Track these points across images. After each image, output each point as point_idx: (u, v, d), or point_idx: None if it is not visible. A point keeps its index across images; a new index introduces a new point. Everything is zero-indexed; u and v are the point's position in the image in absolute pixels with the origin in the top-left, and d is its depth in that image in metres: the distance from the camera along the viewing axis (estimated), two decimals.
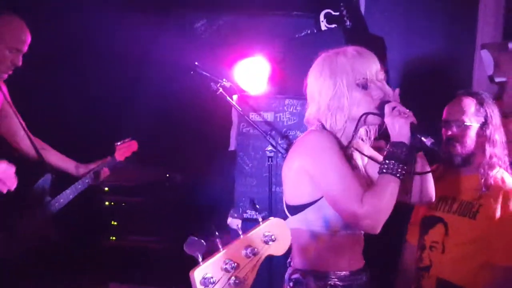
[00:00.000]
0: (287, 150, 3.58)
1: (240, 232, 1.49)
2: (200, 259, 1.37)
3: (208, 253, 1.41)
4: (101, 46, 4.29)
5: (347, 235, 2.20)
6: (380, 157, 2.38)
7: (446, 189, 2.82)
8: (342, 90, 2.18)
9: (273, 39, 4.37)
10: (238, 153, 4.07)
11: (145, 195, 4.61)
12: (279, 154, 3.74)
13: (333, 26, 4.27)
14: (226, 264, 1.40)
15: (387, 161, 2.10)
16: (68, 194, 3.41)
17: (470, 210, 2.72)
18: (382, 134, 2.29)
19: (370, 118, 2.21)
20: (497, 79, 3.79)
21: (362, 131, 2.33)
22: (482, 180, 2.72)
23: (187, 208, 4.46)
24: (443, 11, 4.45)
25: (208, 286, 1.38)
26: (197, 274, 1.38)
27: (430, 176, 2.33)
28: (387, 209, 2.05)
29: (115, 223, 4.60)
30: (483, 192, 2.71)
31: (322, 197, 2.14)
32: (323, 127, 2.23)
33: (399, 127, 2.11)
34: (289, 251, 1.72)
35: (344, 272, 2.19)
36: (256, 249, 1.49)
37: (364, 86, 2.20)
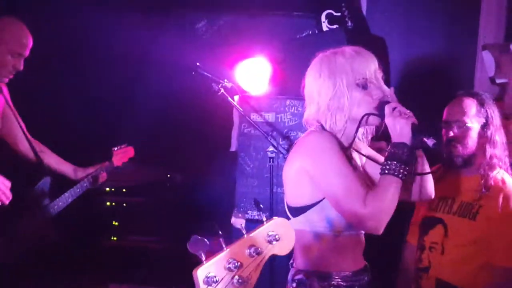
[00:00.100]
0: (288, 150, 3.58)
1: (244, 232, 1.48)
2: (203, 258, 1.37)
3: (211, 252, 1.40)
4: (101, 46, 4.30)
5: (349, 236, 2.20)
6: (378, 156, 2.39)
7: (446, 190, 2.82)
8: (342, 90, 2.17)
9: (274, 40, 4.37)
10: (239, 153, 4.07)
11: (145, 196, 4.62)
12: (280, 155, 3.74)
13: (334, 26, 4.27)
14: (230, 263, 1.39)
15: (388, 162, 2.10)
16: (66, 198, 3.42)
17: (470, 211, 2.72)
18: (382, 134, 2.28)
19: (370, 118, 2.21)
20: (498, 81, 3.79)
21: (360, 130, 2.32)
22: (482, 181, 2.72)
23: (187, 208, 4.46)
24: (444, 11, 4.44)
25: (211, 285, 1.37)
26: (200, 273, 1.38)
27: (429, 175, 2.33)
28: (389, 210, 2.05)
29: (116, 223, 4.60)
30: (483, 193, 2.70)
31: (323, 198, 2.14)
32: (323, 127, 2.23)
33: (400, 127, 2.11)
34: (291, 251, 1.72)
35: (346, 273, 2.20)
36: (259, 249, 1.48)
37: (364, 86, 2.19)
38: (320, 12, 4.30)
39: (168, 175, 4.55)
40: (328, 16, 4.31)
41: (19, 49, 3.13)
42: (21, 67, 3.17)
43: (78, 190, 3.46)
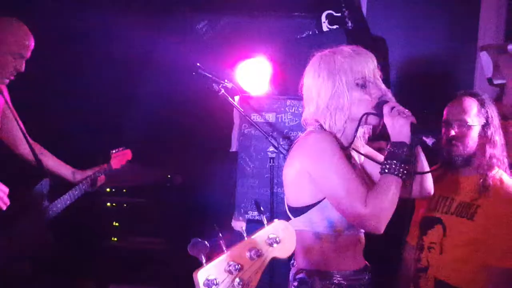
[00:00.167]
0: (288, 151, 3.59)
1: (245, 234, 1.48)
2: (204, 261, 1.36)
3: (212, 254, 1.40)
4: (102, 47, 4.29)
5: (350, 235, 2.21)
6: (376, 154, 2.40)
7: (445, 189, 2.83)
8: (342, 89, 2.18)
9: (274, 40, 4.36)
10: (240, 154, 4.07)
11: (146, 196, 4.62)
12: (281, 155, 3.74)
13: (334, 27, 4.27)
14: (230, 265, 1.39)
15: (388, 161, 2.11)
16: (65, 200, 3.43)
17: (468, 211, 2.72)
18: (378, 134, 2.29)
19: (369, 118, 2.22)
20: (496, 81, 3.79)
21: (360, 130, 2.32)
22: (481, 181, 2.72)
23: (188, 209, 4.46)
24: (444, 12, 4.45)
25: None
26: (201, 275, 1.37)
27: (428, 168, 2.34)
28: (390, 209, 2.07)
29: (116, 224, 4.60)
30: (481, 193, 2.71)
31: (324, 198, 2.14)
32: (322, 127, 2.23)
33: (400, 127, 2.12)
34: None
35: (347, 272, 2.21)
36: (260, 251, 1.48)
37: (363, 86, 2.20)
38: (320, 12, 4.30)
39: (168, 176, 4.55)
40: (329, 17, 4.31)
41: (20, 50, 3.14)
42: (23, 69, 3.17)
43: (76, 192, 3.47)
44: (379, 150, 2.42)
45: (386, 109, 2.16)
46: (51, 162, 3.54)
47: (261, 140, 3.91)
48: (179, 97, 4.42)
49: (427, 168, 2.33)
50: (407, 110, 2.16)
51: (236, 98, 3.90)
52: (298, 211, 2.22)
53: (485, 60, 3.81)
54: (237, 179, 4.04)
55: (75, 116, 4.23)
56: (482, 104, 2.77)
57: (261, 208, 1.58)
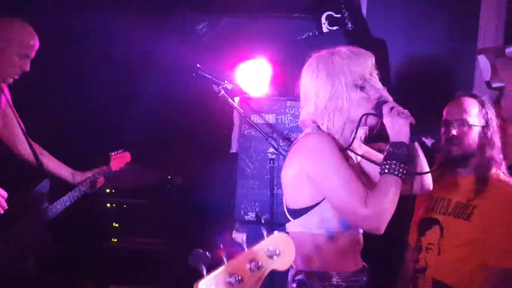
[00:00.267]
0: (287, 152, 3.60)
1: (245, 246, 1.49)
2: (205, 272, 1.37)
3: (212, 266, 1.41)
4: (102, 47, 4.28)
5: (349, 236, 2.22)
6: (373, 154, 2.39)
7: (443, 190, 2.84)
8: (341, 91, 2.18)
9: (274, 41, 4.36)
10: (240, 155, 4.08)
11: (146, 197, 4.61)
12: (281, 156, 3.75)
13: (334, 28, 4.27)
14: (231, 277, 1.39)
15: (388, 162, 2.11)
16: (65, 201, 3.44)
17: (465, 212, 2.73)
18: (377, 134, 2.29)
19: (368, 118, 2.22)
20: (494, 85, 3.79)
21: (360, 131, 2.32)
22: (478, 182, 2.74)
23: (188, 210, 4.46)
24: (444, 12, 4.44)
25: None
26: (202, 287, 1.38)
27: (427, 165, 2.34)
28: (390, 210, 2.07)
29: (116, 225, 4.60)
30: (478, 194, 2.72)
31: (323, 199, 2.15)
32: (319, 128, 2.23)
33: (399, 127, 2.12)
34: None
35: (346, 273, 2.21)
36: (260, 263, 1.48)
37: (362, 87, 2.20)
38: (320, 13, 4.30)
39: (169, 177, 4.55)
40: (328, 18, 4.31)
41: (26, 50, 3.17)
42: (28, 68, 3.20)
43: (76, 194, 3.48)
44: (379, 151, 2.42)
45: (385, 109, 2.16)
46: (51, 163, 3.55)
47: (261, 141, 3.92)
48: (179, 98, 4.42)
49: (426, 166, 2.34)
50: (406, 111, 2.17)
51: (236, 99, 3.90)
52: (297, 213, 2.21)
53: (483, 63, 3.81)
54: (237, 180, 4.05)
55: (74, 116, 4.22)
56: (482, 104, 2.79)
57: (262, 220, 1.58)
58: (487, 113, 2.77)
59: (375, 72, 2.24)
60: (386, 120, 2.15)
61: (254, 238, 1.58)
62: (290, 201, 2.26)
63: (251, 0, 4.51)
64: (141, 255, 4.50)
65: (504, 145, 2.86)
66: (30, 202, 3.32)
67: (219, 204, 4.20)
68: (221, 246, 1.41)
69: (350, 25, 4.23)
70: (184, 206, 4.47)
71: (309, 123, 2.28)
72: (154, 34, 4.42)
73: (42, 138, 3.56)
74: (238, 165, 4.06)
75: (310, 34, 4.36)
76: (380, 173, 2.13)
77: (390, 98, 2.23)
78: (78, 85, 4.27)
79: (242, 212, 4.03)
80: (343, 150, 2.22)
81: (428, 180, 2.40)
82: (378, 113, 2.18)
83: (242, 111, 3.73)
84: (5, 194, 3.01)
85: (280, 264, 1.56)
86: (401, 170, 2.09)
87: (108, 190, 4.55)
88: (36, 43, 3.20)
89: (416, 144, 2.26)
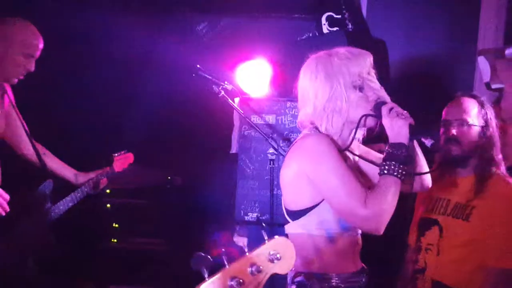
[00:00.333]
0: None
1: (246, 250, 1.49)
2: (206, 275, 1.37)
3: (214, 269, 1.41)
4: (102, 47, 4.28)
5: (348, 237, 2.22)
6: (370, 154, 2.40)
7: (442, 191, 2.84)
8: (340, 92, 2.18)
9: (274, 42, 4.37)
10: (240, 155, 4.08)
11: (146, 198, 4.62)
12: (281, 157, 3.75)
13: (335, 29, 4.28)
14: (232, 280, 1.40)
15: (387, 162, 2.12)
16: (67, 202, 3.43)
17: (464, 212, 2.73)
18: (377, 135, 2.29)
19: (367, 119, 2.22)
20: (494, 86, 3.79)
21: (359, 132, 2.32)
22: (477, 182, 2.74)
23: (188, 210, 4.46)
24: (444, 12, 4.45)
25: None
26: None
27: (425, 163, 2.35)
28: (390, 210, 2.08)
29: (116, 225, 4.60)
30: (477, 194, 2.71)
31: (322, 200, 2.15)
32: (317, 130, 2.23)
33: (398, 128, 2.13)
34: None
35: (346, 274, 2.21)
36: (261, 267, 1.49)
37: (361, 88, 2.20)
38: (320, 14, 4.31)
39: (169, 177, 4.55)
40: (329, 19, 4.31)
41: (31, 50, 3.18)
42: (33, 68, 3.21)
43: (79, 194, 3.47)
44: (379, 152, 2.43)
45: (384, 110, 2.17)
46: (54, 163, 3.55)
47: (261, 142, 3.92)
48: (179, 98, 4.42)
49: (425, 165, 2.35)
50: (405, 111, 2.17)
51: (236, 100, 3.90)
52: (296, 214, 2.22)
53: (482, 64, 3.81)
54: (237, 180, 4.05)
55: (74, 116, 4.23)
56: (481, 105, 2.79)
57: (263, 224, 1.59)
58: (486, 113, 2.77)
59: (373, 71, 2.24)
60: (385, 121, 2.16)
61: (254, 239, 1.58)
62: (289, 203, 2.26)
63: (251, 0, 4.51)
64: (141, 255, 4.51)
65: (504, 146, 2.86)
66: (33, 202, 3.32)
67: (219, 204, 4.20)
68: (223, 250, 1.42)
69: (350, 26, 4.24)
70: (184, 207, 4.48)
71: (307, 124, 2.27)
72: (154, 34, 4.42)
73: (41, 138, 3.55)
74: (238, 165, 4.07)
75: (310, 34, 4.37)
76: (380, 174, 2.13)
77: (388, 98, 2.24)
78: (78, 85, 4.27)
79: (242, 212, 4.03)
80: (342, 151, 2.22)
81: (427, 178, 2.41)
82: (377, 114, 2.19)
83: (242, 112, 3.74)
84: (7, 196, 3.01)
85: (281, 268, 1.57)
86: (400, 170, 2.10)
87: (108, 191, 4.56)
88: (40, 42, 3.21)
89: (415, 143, 2.27)
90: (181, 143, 4.52)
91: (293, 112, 3.99)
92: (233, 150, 4.16)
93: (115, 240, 4.59)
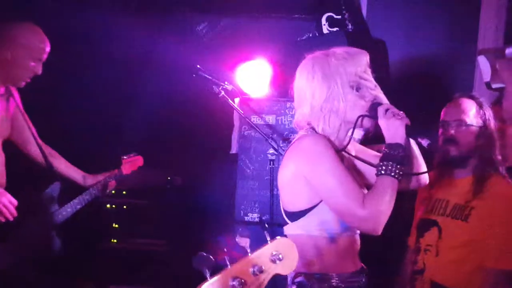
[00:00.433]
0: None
1: (249, 250, 1.50)
2: (208, 275, 1.38)
3: (216, 269, 1.42)
4: (102, 47, 4.29)
5: (347, 237, 2.22)
6: (368, 152, 2.40)
7: (441, 192, 2.84)
8: (337, 92, 2.18)
9: (275, 42, 4.37)
10: (240, 156, 4.08)
11: (146, 198, 4.62)
12: (281, 157, 3.73)
13: (335, 29, 4.28)
14: (234, 280, 1.41)
15: (384, 163, 2.12)
16: (75, 204, 3.42)
17: (462, 213, 2.73)
18: (375, 136, 2.30)
19: (364, 120, 2.23)
20: (494, 85, 3.78)
21: (357, 132, 2.32)
22: (476, 183, 2.74)
23: (188, 211, 4.46)
24: (444, 12, 4.44)
25: None
26: None
27: (422, 160, 2.35)
28: (387, 210, 2.08)
29: (116, 225, 4.60)
30: (476, 195, 2.72)
31: (320, 202, 2.15)
32: (314, 130, 2.23)
33: (395, 128, 2.14)
34: None
35: (345, 274, 2.21)
36: (263, 267, 1.50)
37: (358, 88, 2.21)
38: (320, 14, 4.31)
39: (169, 178, 4.55)
40: (329, 19, 4.32)
41: (40, 54, 3.22)
42: (40, 71, 3.24)
43: (87, 197, 3.46)
44: (379, 153, 2.43)
45: (380, 111, 2.17)
46: (62, 165, 3.56)
47: (261, 142, 3.92)
48: (179, 98, 4.42)
49: (423, 164, 2.35)
50: (401, 112, 2.18)
51: (236, 100, 3.90)
52: (294, 216, 2.22)
53: (483, 64, 3.80)
54: (237, 181, 4.05)
55: (74, 116, 4.23)
56: (480, 106, 2.79)
57: (266, 225, 1.60)
58: (485, 114, 2.78)
59: (369, 70, 2.25)
60: (382, 122, 2.17)
61: (256, 240, 1.59)
62: (288, 204, 2.26)
63: (251, 1, 4.52)
64: (141, 255, 4.51)
65: (503, 147, 2.87)
66: (40, 204, 3.33)
67: (219, 205, 4.20)
68: (225, 250, 1.42)
69: (350, 26, 4.24)
70: (183, 207, 4.48)
71: (304, 125, 2.28)
72: (154, 34, 4.42)
73: (41, 137, 3.55)
74: (238, 166, 4.07)
75: (310, 35, 4.38)
76: (377, 175, 2.14)
77: (384, 97, 2.25)
78: (78, 85, 4.27)
79: (242, 213, 4.03)
80: (339, 151, 2.22)
81: (424, 175, 2.40)
82: (374, 115, 2.19)
83: (242, 112, 3.74)
84: (15, 202, 3.06)
85: (283, 268, 1.57)
86: (397, 171, 2.10)
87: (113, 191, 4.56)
88: (47, 45, 3.25)
89: (413, 142, 2.27)
90: (181, 143, 4.52)
91: (293, 112, 3.92)
92: (233, 150, 4.16)
93: (115, 240, 4.59)
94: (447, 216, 2.79)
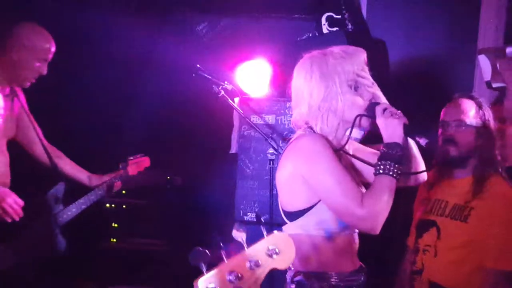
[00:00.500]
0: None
1: (245, 245, 1.50)
2: (205, 269, 1.38)
3: (212, 264, 1.42)
4: (102, 47, 4.29)
5: (345, 236, 2.22)
6: (367, 151, 2.40)
7: (440, 192, 2.85)
8: (335, 92, 2.18)
9: (274, 42, 4.37)
10: (239, 155, 4.08)
11: (146, 198, 4.62)
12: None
13: (335, 29, 4.28)
14: (231, 275, 1.41)
15: (382, 162, 2.13)
16: (80, 204, 3.42)
17: (462, 213, 2.73)
18: (372, 135, 2.30)
19: (362, 120, 2.23)
20: (495, 85, 3.78)
21: (355, 131, 2.32)
22: (475, 183, 2.74)
23: (187, 210, 4.46)
24: (444, 12, 4.44)
25: None
26: (201, 284, 1.40)
27: (420, 157, 2.35)
28: (386, 210, 2.08)
29: (116, 225, 4.61)
30: (475, 195, 2.71)
31: (318, 201, 2.15)
32: (312, 130, 2.23)
33: (393, 128, 2.14)
34: None
35: (344, 273, 2.21)
36: (260, 262, 1.50)
37: (356, 87, 2.21)
38: (320, 14, 4.32)
39: (168, 177, 4.55)
40: (329, 19, 4.32)
41: (45, 54, 3.25)
42: (45, 72, 3.28)
43: (92, 197, 3.45)
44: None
45: (378, 110, 2.18)
46: (68, 166, 3.56)
47: (260, 142, 3.92)
48: (179, 98, 4.43)
49: (422, 163, 2.36)
50: (399, 111, 2.19)
51: (236, 100, 3.90)
52: (293, 216, 2.22)
53: (483, 63, 3.80)
54: (237, 180, 4.05)
55: (74, 116, 4.23)
56: (479, 106, 2.79)
57: (262, 220, 1.59)
58: (484, 114, 2.78)
59: (366, 68, 2.25)
60: (380, 121, 2.17)
61: (254, 238, 1.59)
62: (286, 204, 2.26)
63: (251, 1, 4.52)
64: (141, 255, 4.51)
65: (503, 147, 2.87)
66: (44, 205, 3.33)
67: (218, 204, 4.20)
68: (221, 245, 1.42)
69: (350, 26, 4.24)
70: (183, 207, 4.48)
71: (301, 124, 2.28)
72: (154, 34, 4.43)
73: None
74: (238, 165, 4.07)
75: (310, 35, 4.38)
76: (375, 174, 2.14)
77: (382, 96, 2.26)
78: (78, 85, 4.27)
79: (242, 212, 4.03)
80: (337, 150, 2.22)
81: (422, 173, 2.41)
82: (371, 114, 2.20)
83: (242, 112, 3.74)
84: (21, 202, 3.07)
85: (280, 263, 1.57)
86: (395, 170, 2.11)
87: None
88: (52, 46, 3.28)
89: (411, 141, 2.27)
90: (181, 143, 4.52)
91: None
92: (233, 150, 4.16)
93: (115, 240, 4.59)
94: (446, 216, 2.79)
